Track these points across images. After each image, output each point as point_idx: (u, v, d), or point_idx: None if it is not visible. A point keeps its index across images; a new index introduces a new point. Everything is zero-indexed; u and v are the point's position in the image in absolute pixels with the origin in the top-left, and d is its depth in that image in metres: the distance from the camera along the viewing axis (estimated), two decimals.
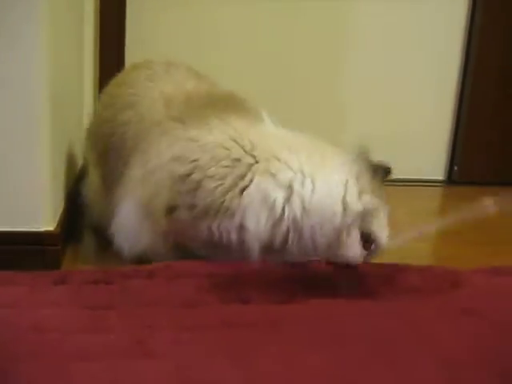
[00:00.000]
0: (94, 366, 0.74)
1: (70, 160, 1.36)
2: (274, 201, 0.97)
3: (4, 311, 0.86)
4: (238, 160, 0.98)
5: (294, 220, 0.98)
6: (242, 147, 1.00)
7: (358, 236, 1.01)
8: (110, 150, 1.15)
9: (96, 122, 1.23)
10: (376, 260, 1.10)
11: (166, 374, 0.74)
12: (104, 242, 1.24)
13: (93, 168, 1.22)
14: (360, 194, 1.02)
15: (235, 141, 1.01)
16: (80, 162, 1.46)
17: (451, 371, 0.80)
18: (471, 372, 0.80)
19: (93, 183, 1.23)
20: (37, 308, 0.87)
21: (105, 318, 0.86)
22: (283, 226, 0.98)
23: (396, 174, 2.19)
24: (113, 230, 1.09)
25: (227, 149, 0.99)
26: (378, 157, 2.07)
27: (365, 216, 1.01)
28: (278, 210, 0.97)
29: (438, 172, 2.36)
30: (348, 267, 1.04)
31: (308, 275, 1.06)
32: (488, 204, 1.16)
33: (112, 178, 1.12)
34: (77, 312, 0.87)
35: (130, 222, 1.05)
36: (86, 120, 1.45)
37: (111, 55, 1.75)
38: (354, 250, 1.01)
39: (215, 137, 1.01)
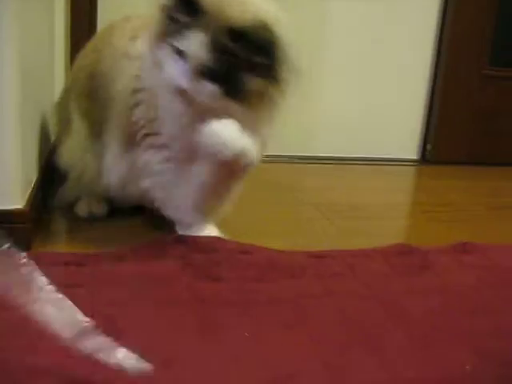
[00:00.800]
0: (61, 342, 0.74)
1: (42, 135, 1.33)
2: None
3: None
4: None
5: None
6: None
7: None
8: (94, 99, 1.18)
9: (79, 75, 1.24)
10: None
11: (134, 349, 0.74)
12: (75, 222, 1.24)
13: (78, 122, 1.23)
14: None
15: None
16: (52, 137, 1.43)
17: (422, 346, 0.82)
18: (443, 347, 0.83)
19: (76, 140, 1.24)
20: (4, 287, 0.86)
21: (74, 295, 0.85)
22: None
23: (371, 153, 2.25)
24: (103, 170, 1.17)
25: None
26: (354, 135, 2.10)
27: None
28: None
29: (411, 151, 2.38)
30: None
31: (280, 259, 1.07)
32: None
33: (100, 124, 1.16)
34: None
35: (115, 159, 1.14)
36: (58, 94, 1.42)
37: (83, 26, 1.70)
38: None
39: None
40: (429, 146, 2.36)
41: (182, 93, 0.97)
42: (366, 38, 2.19)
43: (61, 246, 1.16)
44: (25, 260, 0.93)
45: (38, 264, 0.92)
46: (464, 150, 2.38)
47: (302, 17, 2.00)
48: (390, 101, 2.28)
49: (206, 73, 0.94)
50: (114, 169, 1.15)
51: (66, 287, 0.88)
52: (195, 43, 0.92)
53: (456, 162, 2.34)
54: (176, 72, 0.95)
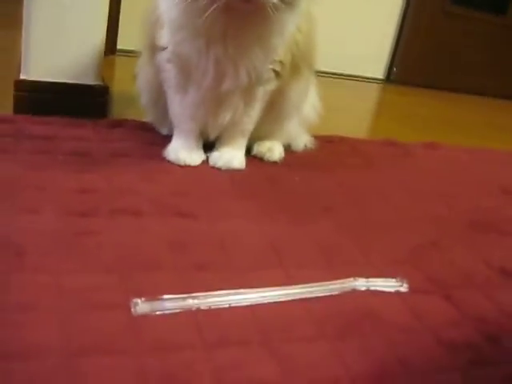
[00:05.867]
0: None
1: None
2: None
3: None
4: None
5: None
6: None
7: None
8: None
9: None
10: None
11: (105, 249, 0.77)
12: None
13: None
14: None
15: None
16: None
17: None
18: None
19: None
20: None
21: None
22: None
23: (343, 70, 2.56)
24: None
25: None
26: (329, 52, 2.36)
27: None
28: None
29: (379, 72, 2.72)
30: None
31: None
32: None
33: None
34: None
35: (145, 63, 1.20)
36: None
37: None
38: None
39: None
40: (395, 69, 2.70)
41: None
42: None
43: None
44: None
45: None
46: (424, 74, 2.75)
47: None
48: (363, 25, 2.58)
49: None
50: (143, 71, 1.22)
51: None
52: None
53: (416, 84, 2.70)
54: None
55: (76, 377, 0.54)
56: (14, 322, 0.60)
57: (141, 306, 0.65)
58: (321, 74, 2.44)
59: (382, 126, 1.95)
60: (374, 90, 2.58)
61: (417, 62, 2.70)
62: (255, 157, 1.24)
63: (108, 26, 1.32)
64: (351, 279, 0.80)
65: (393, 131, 1.78)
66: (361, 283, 0.80)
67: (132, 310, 0.65)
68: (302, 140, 1.35)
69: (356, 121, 1.86)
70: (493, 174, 1.49)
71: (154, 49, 1.10)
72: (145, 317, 0.65)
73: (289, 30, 1.04)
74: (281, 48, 1.06)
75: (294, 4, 0.96)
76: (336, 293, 0.77)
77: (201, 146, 1.17)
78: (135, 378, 0.56)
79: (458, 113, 2.38)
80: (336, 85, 2.45)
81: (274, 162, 1.24)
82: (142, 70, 1.23)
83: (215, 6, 0.90)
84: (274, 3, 0.91)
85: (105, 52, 1.32)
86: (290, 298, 0.74)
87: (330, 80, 2.48)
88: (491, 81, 2.85)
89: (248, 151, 1.23)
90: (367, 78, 2.66)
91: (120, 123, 1.27)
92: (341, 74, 2.59)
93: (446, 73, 2.77)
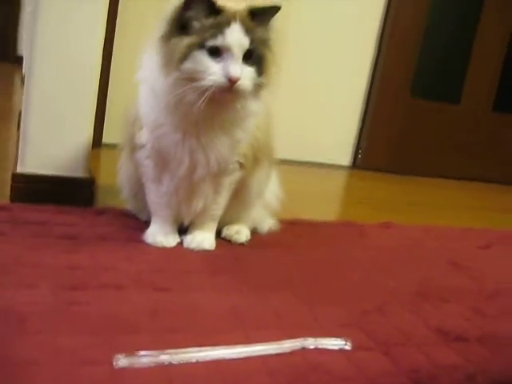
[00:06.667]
0: None
1: None
2: None
3: None
4: None
5: None
6: None
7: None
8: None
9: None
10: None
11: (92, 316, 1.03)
12: None
13: None
14: None
15: None
16: None
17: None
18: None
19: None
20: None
21: None
22: None
23: (310, 158, 2.75)
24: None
25: None
26: (299, 144, 2.54)
27: None
28: None
29: (345, 158, 2.94)
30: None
31: None
32: None
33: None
34: None
35: (125, 160, 1.38)
36: None
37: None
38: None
39: None
40: (360, 155, 2.92)
41: (221, 90, 1.05)
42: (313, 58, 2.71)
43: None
44: None
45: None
46: (388, 159, 2.97)
47: None
48: (328, 115, 2.82)
49: (246, 58, 1.06)
50: (124, 167, 1.38)
51: None
52: (237, 33, 1.04)
53: (381, 169, 2.92)
54: (223, 69, 1.04)
55: None
56: (19, 374, 0.73)
57: (122, 360, 0.79)
58: (289, 162, 2.66)
59: (344, 209, 2.13)
60: (341, 176, 2.78)
61: (380, 148, 2.93)
62: (224, 239, 1.39)
63: (95, 122, 1.51)
64: (301, 339, 0.94)
65: (354, 213, 1.96)
66: (310, 342, 0.94)
67: (114, 363, 0.78)
68: (267, 223, 1.51)
69: (320, 205, 2.04)
70: (443, 249, 1.65)
71: (133, 147, 1.26)
72: (125, 370, 0.78)
73: (249, 123, 1.20)
74: (244, 141, 1.23)
75: (260, 94, 1.13)
76: (288, 350, 0.91)
77: (176, 229, 1.32)
78: None
79: (419, 195, 2.59)
80: (305, 173, 2.66)
81: (241, 244, 1.39)
82: (123, 167, 1.39)
83: (204, 98, 1.04)
84: (248, 92, 1.08)
85: (92, 145, 1.50)
86: (248, 355, 0.87)
87: (298, 168, 2.68)
88: (451, 163, 3.10)
89: (218, 234, 1.38)
90: (335, 165, 2.87)
91: (105, 211, 1.43)
92: (310, 162, 2.79)
93: (408, 157, 3.01)
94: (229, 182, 1.29)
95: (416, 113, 2.98)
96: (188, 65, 1.04)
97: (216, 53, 1.04)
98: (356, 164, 2.93)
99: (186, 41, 1.04)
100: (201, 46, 1.04)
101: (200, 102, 1.05)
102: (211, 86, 1.04)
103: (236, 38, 1.04)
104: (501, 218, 2.33)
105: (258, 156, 1.30)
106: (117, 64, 2.14)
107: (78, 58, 1.39)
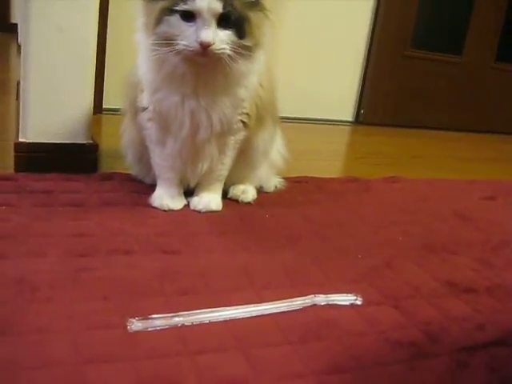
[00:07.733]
0: None
1: None
2: None
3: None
4: None
5: None
6: None
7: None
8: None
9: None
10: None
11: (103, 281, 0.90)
12: None
13: None
14: None
15: None
16: None
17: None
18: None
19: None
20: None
21: None
22: None
23: (313, 115, 2.75)
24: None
25: None
26: (302, 102, 2.54)
27: None
28: None
29: (347, 114, 2.92)
30: None
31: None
32: None
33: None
34: None
35: (128, 123, 1.38)
36: None
37: None
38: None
39: None
40: (362, 110, 2.90)
41: (194, 54, 1.06)
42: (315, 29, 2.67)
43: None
44: None
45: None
46: (388, 114, 2.95)
47: None
48: (332, 74, 2.81)
49: (221, 22, 1.05)
50: (127, 131, 1.38)
51: None
52: None
53: (382, 123, 2.90)
54: (195, 34, 1.03)
55: (84, 381, 0.68)
56: (33, 341, 0.74)
57: (135, 324, 0.80)
58: (293, 120, 2.66)
59: (349, 165, 2.12)
60: (344, 132, 2.76)
61: (382, 102, 2.90)
62: (231, 199, 1.40)
63: (94, 88, 1.49)
64: (312, 296, 0.95)
65: (359, 169, 1.95)
66: (320, 299, 0.94)
67: (128, 327, 0.79)
68: (273, 182, 1.51)
69: (325, 162, 2.03)
70: (448, 202, 1.65)
71: (136, 110, 1.26)
72: (139, 333, 0.79)
73: (251, 82, 1.20)
74: (247, 101, 1.22)
75: (251, 55, 1.12)
76: (299, 307, 0.92)
77: (182, 192, 1.32)
78: (134, 379, 0.69)
79: (422, 148, 2.57)
80: (308, 130, 2.64)
81: (248, 203, 1.39)
82: (126, 131, 1.39)
83: (179, 56, 1.07)
84: (229, 55, 1.07)
85: (93, 111, 1.48)
86: (259, 314, 0.88)
87: (302, 125, 2.67)
88: (452, 116, 3.07)
89: (224, 194, 1.38)
90: (338, 122, 2.85)
91: (109, 176, 1.43)
92: (314, 119, 2.78)
93: (409, 111, 2.98)
94: (233, 142, 1.28)
95: (416, 65, 2.93)
96: (162, 28, 1.06)
97: (190, 17, 1.04)
98: (359, 119, 2.90)
99: (160, 4, 1.05)
100: (172, 10, 1.04)
101: (179, 63, 1.08)
102: (184, 50, 1.05)
103: (206, 2, 1.02)
104: (506, 168, 2.32)
105: (262, 115, 1.29)
106: (114, 27, 2.10)
107: (75, 22, 1.36)
